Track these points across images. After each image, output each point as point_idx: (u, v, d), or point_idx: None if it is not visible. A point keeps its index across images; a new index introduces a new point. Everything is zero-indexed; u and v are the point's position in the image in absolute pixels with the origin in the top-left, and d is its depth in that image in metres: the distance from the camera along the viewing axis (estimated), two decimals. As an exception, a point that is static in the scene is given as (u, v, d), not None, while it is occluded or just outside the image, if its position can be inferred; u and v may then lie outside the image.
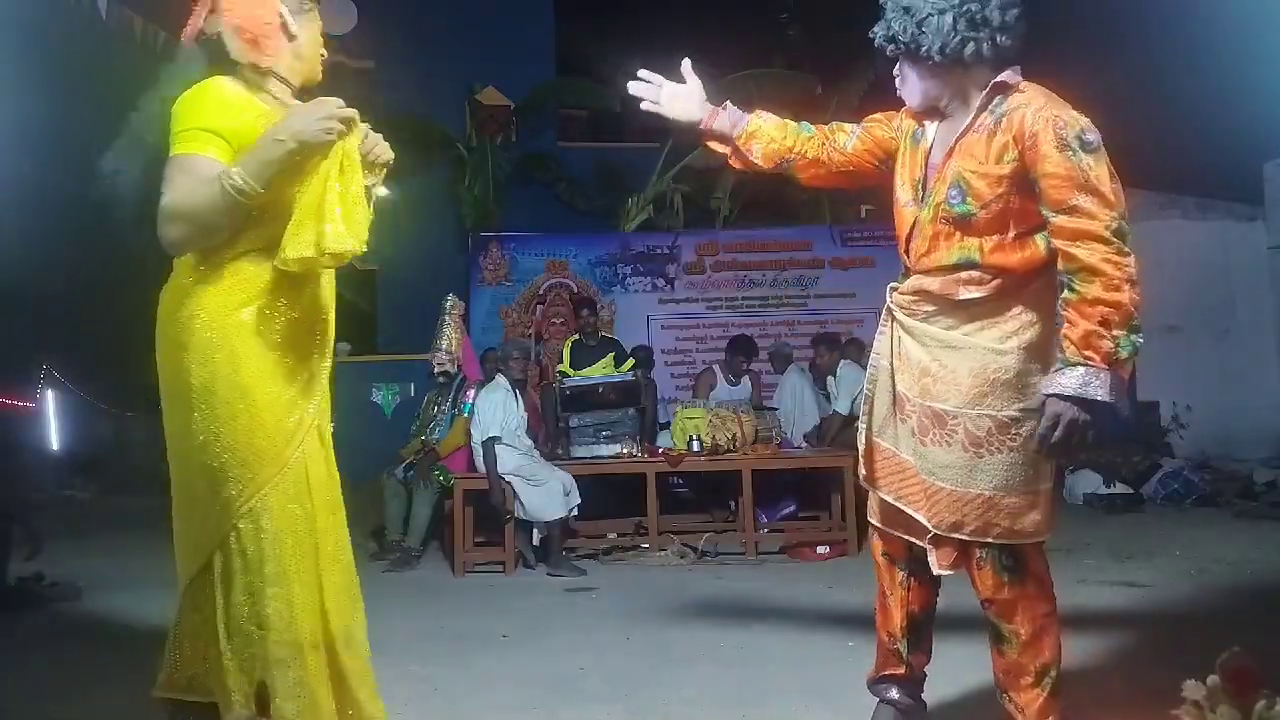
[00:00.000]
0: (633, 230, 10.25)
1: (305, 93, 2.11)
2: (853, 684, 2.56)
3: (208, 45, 2.01)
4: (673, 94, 2.36)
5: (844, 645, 3.27)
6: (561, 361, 6.81)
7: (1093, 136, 1.97)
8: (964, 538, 2.11)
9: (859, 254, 9.12)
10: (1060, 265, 1.97)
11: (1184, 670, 2.46)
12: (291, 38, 2.05)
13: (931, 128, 2.20)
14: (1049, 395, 1.96)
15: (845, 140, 2.32)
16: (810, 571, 5.10)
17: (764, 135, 2.34)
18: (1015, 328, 2.07)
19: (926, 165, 2.16)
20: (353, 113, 1.92)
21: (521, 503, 5.33)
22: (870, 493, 2.33)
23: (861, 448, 2.28)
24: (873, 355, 2.27)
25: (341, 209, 1.87)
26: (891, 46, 2.12)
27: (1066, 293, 1.95)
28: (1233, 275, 9.70)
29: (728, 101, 2.39)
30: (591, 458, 5.89)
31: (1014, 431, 2.05)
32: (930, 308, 2.15)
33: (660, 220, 10.48)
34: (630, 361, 6.69)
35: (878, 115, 2.32)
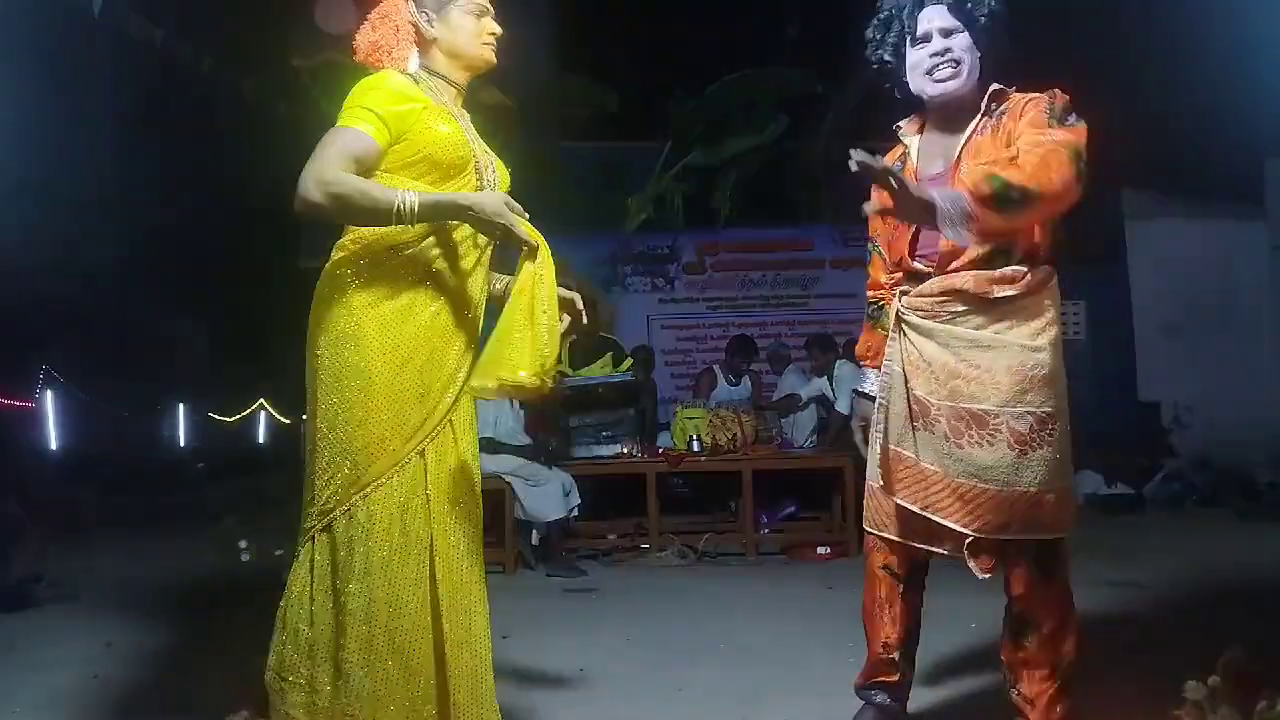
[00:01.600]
0: (633, 230, 10.25)
1: (480, 78, 2.18)
2: (852, 684, 2.55)
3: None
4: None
5: (844, 645, 3.26)
6: (560, 361, 6.81)
7: (1074, 117, 2.05)
8: (1009, 538, 2.09)
9: (860, 254, 9.10)
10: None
11: (1184, 670, 2.46)
12: (430, 41, 2.09)
13: (913, 146, 2.23)
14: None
15: (890, 275, 2.36)
16: (810, 571, 5.09)
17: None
18: (1043, 324, 2.11)
19: (917, 179, 2.16)
20: (538, 243, 2.02)
21: (521, 503, 5.33)
22: (875, 504, 2.28)
23: (877, 457, 2.23)
24: (885, 364, 2.23)
25: (531, 347, 1.95)
26: (964, 28, 2.14)
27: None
28: (1233, 275, 9.68)
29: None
30: (591, 458, 5.89)
31: (1052, 427, 2.07)
32: (960, 308, 2.11)
33: (660, 220, 10.47)
34: (628, 361, 6.69)
35: (874, 221, 2.37)
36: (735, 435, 5.92)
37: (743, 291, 9.37)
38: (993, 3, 2.14)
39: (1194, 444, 8.77)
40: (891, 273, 2.33)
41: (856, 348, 2.49)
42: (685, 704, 2.82)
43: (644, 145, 10.77)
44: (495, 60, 2.15)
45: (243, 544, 6.17)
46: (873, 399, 2.32)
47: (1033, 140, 2.00)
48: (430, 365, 2.01)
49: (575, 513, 5.51)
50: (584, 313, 2.22)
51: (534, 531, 5.42)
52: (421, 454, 1.99)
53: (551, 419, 6.27)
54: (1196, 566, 4.70)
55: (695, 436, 5.90)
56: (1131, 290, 9.78)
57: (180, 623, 4.14)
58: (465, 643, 2.01)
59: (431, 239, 2.02)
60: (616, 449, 5.93)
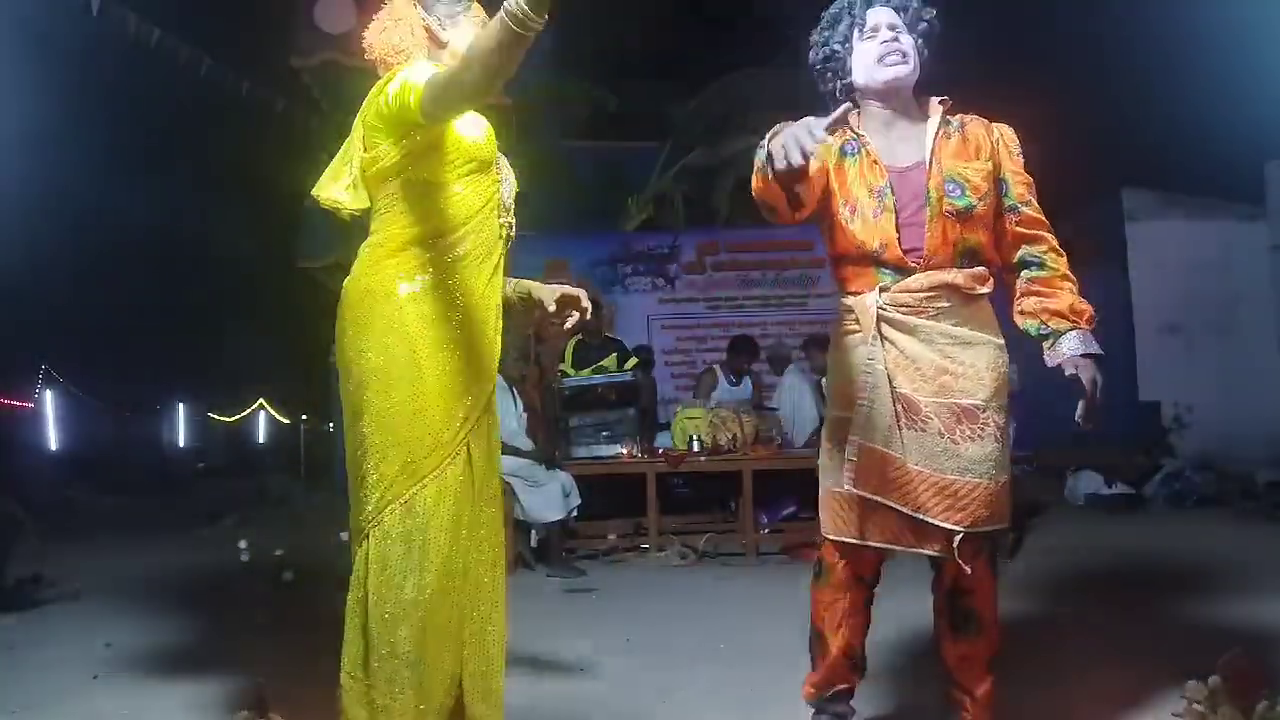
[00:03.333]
0: (633, 230, 10.25)
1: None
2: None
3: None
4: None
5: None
6: (563, 361, 6.80)
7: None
8: (987, 529, 2.12)
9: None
10: (1027, 248, 2.20)
11: (1184, 670, 2.46)
12: (442, 45, 2.11)
13: (872, 141, 2.19)
14: (1077, 357, 2.09)
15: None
16: (810, 571, 5.08)
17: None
18: (998, 324, 2.22)
19: (886, 172, 2.16)
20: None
21: (521, 504, 5.32)
22: (843, 510, 2.18)
23: (855, 459, 2.14)
24: (865, 364, 2.15)
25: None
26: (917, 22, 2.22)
27: (1037, 271, 2.18)
28: (1233, 275, 9.69)
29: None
30: (591, 458, 5.89)
31: (1006, 421, 2.17)
32: (945, 304, 2.13)
33: (660, 220, 10.47)
34: (633, 360, 6.68)
35: None
36: (735, 435, 5.92)
37: (743, 291, 9.37)
38: (930, 16, 2.26)
39: (1194, 444, 8.77)
40: (858, 263, 2.20)
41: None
42: (685, 704, 2.81)
43: (644, 145, 10.77)
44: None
45: (243, 544, 6.16)
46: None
47: (1037, 219, 2.23)
48: (472, 356, 2.04)
49: (575, 513, 5.50)
50: (588, 310, 2.23)
51: (533, 532, 5.41)
52: (467, 444, 2.02)
53: (552, 422, 6.26)
54: (1196, 566, 4.70)
55: (695, 436, 5.90)
56: (1131, 290, 9.78)
57: (180, 623, 4.14)
58: (479, 639, 2.04)
59: (465, 230, 2.04)
60: (616, 449, 5.92)
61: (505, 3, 1.79)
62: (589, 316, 2.25)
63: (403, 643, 1.91)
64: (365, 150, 2.04)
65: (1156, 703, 2.57)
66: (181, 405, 27.43)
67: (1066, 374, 2.10)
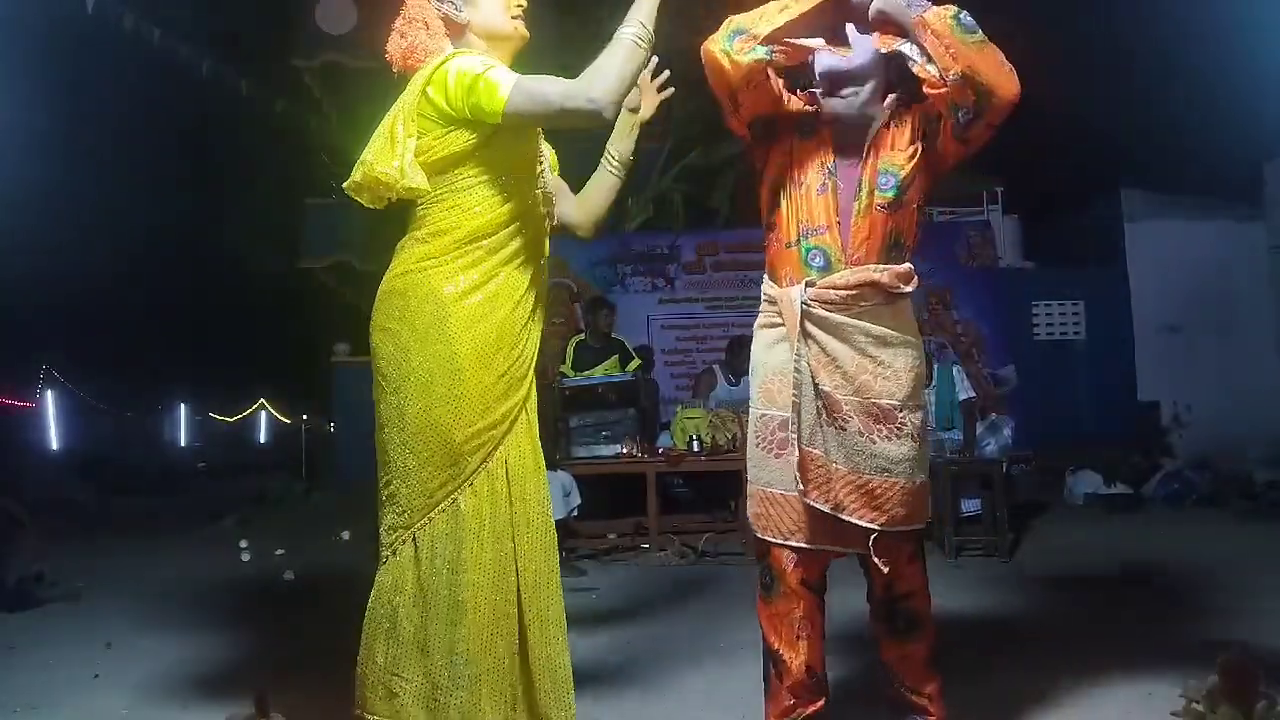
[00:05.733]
0: (633, 230, 10.24)
1: (517, 55, 2.15)
2: (852, 684, 2.56)
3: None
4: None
5: (843, 645, 3.26)
6: (564, 361, 6.79)
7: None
8: (907, 528, 2.13)
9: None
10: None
11: (1184, 670, 2.47)
12: (463, 27, 2.07)
13: (828, 129, 2.19)
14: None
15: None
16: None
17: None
18: (917, 324, 2.24)
19: (835, 158, 2.16)
20: None
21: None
22: (778, 512, 2.15)
23: (792, 460, 2.11)
24: (794, 359, 2.13)
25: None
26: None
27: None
28: (1233, 275, 9.70)
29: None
30: (591, 458, 5.89)
31: (923, 421, 2.18)
32: (868, 302, 2.12)
33: (660, 220, 10.47)
34: (636, 362, 6.67)
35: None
36: (735, 435, 5.92)
37: (743, 291, 9.35)
38: None
39: (1193, 444, 8.77)
40: (790, 247, 2.19)
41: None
42: (685, 704, 2.82)
43: (644, 145, 10.76)
44: (528, 34, 2.14)
45: (243, 544, 6.17)
46: None
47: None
48: (514, 356, 2.03)
49: (575, 513, 5.50)
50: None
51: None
52: (504, 445, 2.02)
53: (552, 422, 6.26)
54: (1195, 566, 4.70)
55: (695, 436, 5.90)
56: (1131, 290, 9.80)
57: (180, 623, 4.14)
58: (545, 627, 2.04)
59: (510, 229, 2.01)
60: (616, 449, 5.93)
61: (631, 34, 1.90)
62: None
63: (461, 642, 1.92)
64: (420, 137, 1.96)
65: (1156, 703, 2.58)
66: (182, 405, 27.45)
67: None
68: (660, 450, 6.08)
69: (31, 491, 8.89)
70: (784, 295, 2.16)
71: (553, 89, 1.88)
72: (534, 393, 2.13)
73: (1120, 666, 2.94)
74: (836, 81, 2.22)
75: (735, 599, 4.41)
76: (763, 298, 2.26)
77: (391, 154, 1.95)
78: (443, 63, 1.96)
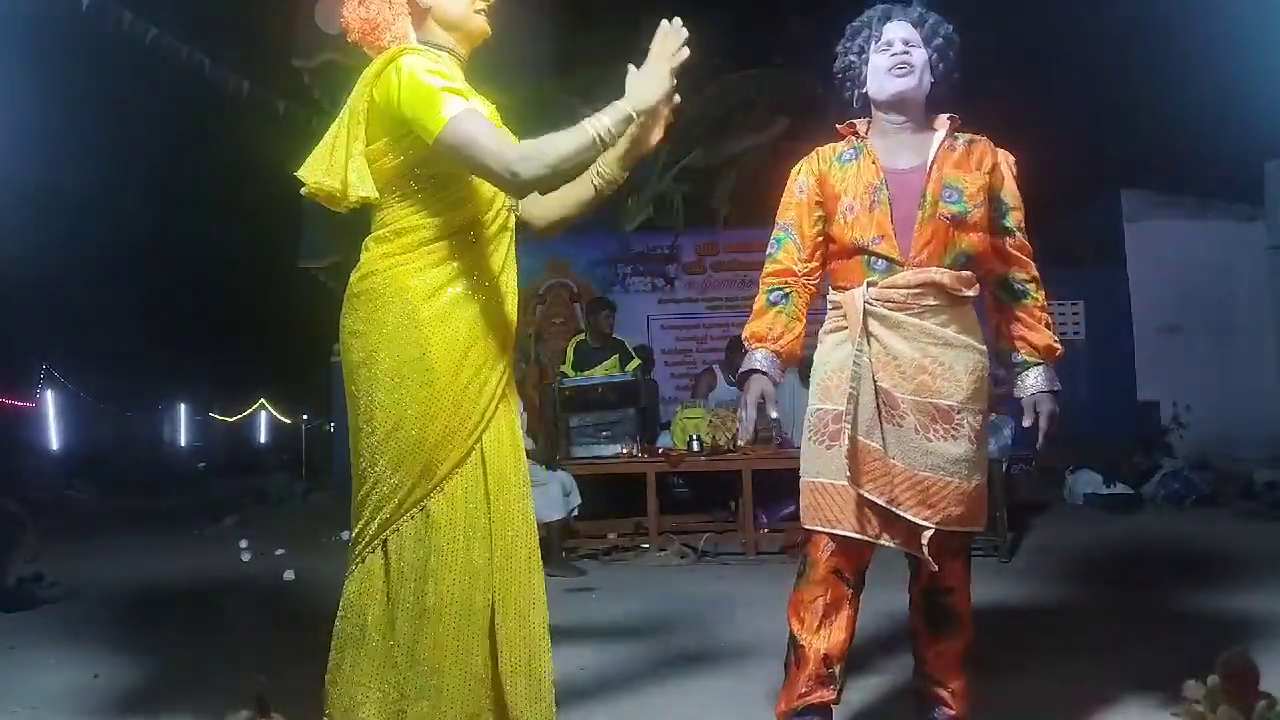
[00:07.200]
0: (633, 230, 10.24)
1: (476, 50, 2.12)
2: (852, 684, 2.56)
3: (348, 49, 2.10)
4: None
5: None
6: (564, 362, 6.79)
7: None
8: (960, 529, 2.16)
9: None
10: (1016, 273, 2.29)
11: (1184, 670, 2.47)
12: (425, 11, 2.03)
13: (877, 145, 2.24)
14: (1039, 393, 2.25)
15: (804, 265, 2.31)
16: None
17: (795, 332, 2.34)
18: (981, 330, 2.26)
19: (883, 171, 2.20)
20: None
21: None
22: (827, 500, 2.18)
23: (842, 450, 2.14)
24: (854, 354, 2.16)
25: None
26: (935, 41, 2.26)
27: (1024, 299, 2.29)
28: (1233, 275, 9.70)
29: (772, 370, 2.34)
30: (591, 458, 5.89)
31: (983, 425, 2.20)
32: (932, 302, 2.14)
33: (660, 220, 10.46)
34: (636, 362, 6.67)
35: (789, 211, 2.34)
36: (735, 435, 5.92)
37: (743, 291, 9.35)
38: (948, 31, 2.29)
39: (1192, 443, 8.77)
40: (808, 261, 2.29)
41: (753, 328, 2.33)
42: (685, 704, 2.82)
43: (644, 146, 10.75)
44: (490, 30, 2.09)
45: (243, 544, 6.17)
46: (766, 374, 2.31)
47: (1025, 247, 2.31)
48: (486, 354, 2.00)
49: (575, 512, 5.50)
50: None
51: (533, 532, 5.41)
52: (480, 443, 1.98)
53: (552, 422, 6.27)
54: (1195, 566, 4.70)
55: (695, 436, 5.90)
56: (1131, 290, 9.80)
57: (180, 623, 4.15)
58: (525, 623, 2.01)
59: (476, 223, 1.98)
60: (616, 449, 5.92)
61: (593, 127, 1.86)
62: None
63: (426, 651, 1.89)
64: (370, 141, 1.93)
65: (1155, 702, 2.58)
66: (182, 405, 27.45)
67: (1023, 404, 2.27)
68: (660, 450, 6.08)
69: (31, 491, 8.89)
70: (847, 296, 2.21)
71: (486, 144, 1.82)
72: (513, 381, 2.09)
73: (1120, 666, 2.94)
74: (891, 106, 2.27)
75: (735, 600, 4.41)
76: (828, 305, 2.30)
77: (332, 164, 1.93)
78: (389, 61, 1.90)
